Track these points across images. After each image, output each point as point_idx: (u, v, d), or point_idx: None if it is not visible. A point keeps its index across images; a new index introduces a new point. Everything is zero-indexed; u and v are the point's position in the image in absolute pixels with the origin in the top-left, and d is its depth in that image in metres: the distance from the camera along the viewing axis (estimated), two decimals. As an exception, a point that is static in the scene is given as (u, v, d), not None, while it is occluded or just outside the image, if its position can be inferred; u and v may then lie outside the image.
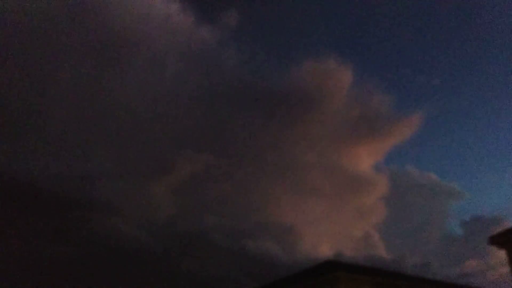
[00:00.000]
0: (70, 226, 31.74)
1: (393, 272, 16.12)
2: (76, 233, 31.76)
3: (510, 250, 12.10)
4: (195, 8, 36.11)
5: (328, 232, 36.39)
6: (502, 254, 12.36)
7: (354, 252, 34.76)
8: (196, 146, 34.74)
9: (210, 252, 31.29)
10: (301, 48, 41.72)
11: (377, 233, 36.15)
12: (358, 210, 37.90)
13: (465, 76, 43.85)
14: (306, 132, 37.45)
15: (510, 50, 40.27)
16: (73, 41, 31.57)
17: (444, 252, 37.23)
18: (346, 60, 39.22)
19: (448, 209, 41.63)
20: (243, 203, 35.91)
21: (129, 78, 33.85)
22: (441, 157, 44.65)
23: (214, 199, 35.44)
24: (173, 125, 35.33)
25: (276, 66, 40.22)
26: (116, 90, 33.33)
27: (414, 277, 16.22)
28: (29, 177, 30.42)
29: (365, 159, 37.96)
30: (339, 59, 38.70)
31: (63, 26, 30.99)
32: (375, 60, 44.16)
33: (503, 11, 39.79)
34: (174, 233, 32.39)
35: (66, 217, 31.72)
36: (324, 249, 34.20)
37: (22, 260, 29.33)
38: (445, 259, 36.11)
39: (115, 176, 33.07)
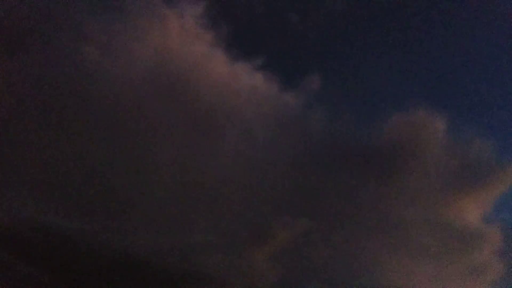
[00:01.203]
0: (176, 300, 32.12)
1: None
2: (182, 307, 32.03)
3: None
4: (278, 76, 36.78)
5: (441, 293, 34.06)
6: None
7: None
8: (293, 211, 34.41)
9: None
10: (388, 102, 40.97)
11: (496, 292, 33.43)
12: (470, 267, 35.30)
13: None
14: (405, 186, 36.11)
15: None
16: (168, 118, 33.06)
17: None
18: (437, 108, 37.81)
19: None
20: (346, 266, 34.64)
21: (222, 149, 34.66)
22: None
23: (316, 264, 34.53)
24: (268, 192, 35.35)
25: (364, 123, 39.57)
26: (211, 162, 34.16)
27: None
28: (134, 253, 31.45)
29: (472, 210, 35.71)
30: (429, 108, 37.46)
31: (159, 103, 32.65)
32: (469, 104, 42.26)
33: None
34: (277, 302, 31.82)
35: (171, 291, 32.19)
36: (439, 312, 31.99)
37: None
38: None
39: (216, 247, 33.33)
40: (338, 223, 35.72)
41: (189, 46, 32.82)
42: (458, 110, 43.76)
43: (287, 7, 36.79)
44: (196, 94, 32.74)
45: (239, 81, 35.31)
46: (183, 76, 32.17)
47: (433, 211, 35.70)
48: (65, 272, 29.89)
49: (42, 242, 28.27)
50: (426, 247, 34.78)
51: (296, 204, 35.26)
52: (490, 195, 36.18)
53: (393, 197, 35.71)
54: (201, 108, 32.98)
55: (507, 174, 35.74)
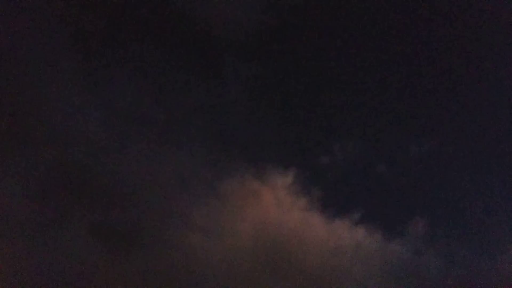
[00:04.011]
0: None
1: None
2: None
3: None
4: (379, 227, 36.40)
5: None
6: None
7: None
8: None
9: None
10: (507, 232, 38.18)
11: None
12: None
13: None
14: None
15: None
16: (275, 286, 33.44)
17: None
18: None
19: None
20: None
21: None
22: None
23: None
24: None
25: (482, 259, 36.86)
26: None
27: None
28: None
29: None
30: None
31: (263, 275, 33.34)
32: None
33: None
34: None
35: None
36: None
37: None
38: None
39: None
40: None
41: (285, 215, 34.43)
42: None
43: (372, 160, 37.92)
44: (299, 259, 33.32)
45: (340, 238, 35.54)
46: (283, 244, 33.29)
47: None
48: None
49: None
50: None
51: None
52: None
53: None
54: (306, 272, 33.23)
55: None
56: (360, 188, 37.68)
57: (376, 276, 35.20)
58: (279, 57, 37.68)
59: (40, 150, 29.65)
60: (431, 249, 36.61)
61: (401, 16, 38.40)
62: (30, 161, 29.27)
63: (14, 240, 27.90)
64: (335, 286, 33.62)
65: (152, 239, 30.86)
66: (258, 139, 36.77)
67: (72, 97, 31.86)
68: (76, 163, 30.35)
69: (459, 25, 37.95)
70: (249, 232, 32.85)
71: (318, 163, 37.27)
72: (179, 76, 35.46)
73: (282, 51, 37.57)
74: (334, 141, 37.99)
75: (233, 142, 35.99)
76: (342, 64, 38.48)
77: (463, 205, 37.90)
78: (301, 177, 35.96)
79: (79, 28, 33.48)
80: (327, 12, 37.94)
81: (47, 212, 28.86)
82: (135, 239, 30.93)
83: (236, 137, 36.25)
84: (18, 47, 31.30)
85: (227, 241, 31.97)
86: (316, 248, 34.15)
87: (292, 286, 32.99)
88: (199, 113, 35.51)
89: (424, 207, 38.39)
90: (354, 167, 37.89)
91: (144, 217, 31.77)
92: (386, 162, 38.13)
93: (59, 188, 29.76)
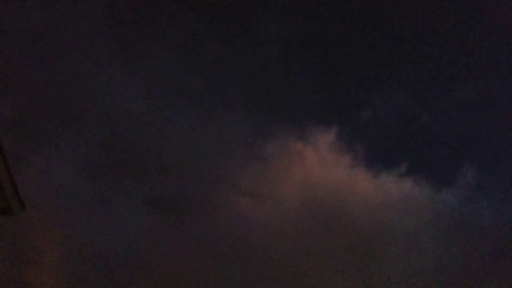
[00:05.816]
0: None
1: None
2: None
3: None
4: (427, 177, 35.76)
5: None
6: None
7: None
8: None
9: None
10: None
11: None
12: None
13: None
14: None
15: None
16: (324, 245, 33.94)
17: None
18: None
19: None
20: None
21: (388, 267, 34.00)
22: None
23: None
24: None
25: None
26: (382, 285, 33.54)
27: None
28: None
29: None
30: None
31: (311, 235, 33.86)
32: None
33: None
34: None
35: None
36: None
37: None
38: None
39: None
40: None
41: (330, 173, 34.51)
42: None
43: (415, 110, 36.95)
44: (347, 217, 33.55)
45: (387, 192, 35.38)
46: (330, 203, 33.54)
47: None
48: None
49: None
50: None
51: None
52: None
53: None
54: (355, 228, 33.50)
55: None
56: (405, 140, 36.88)
57: (426, 227, 35.08)
58: (314, 13, 36.76)
59: (88, 129, 30.85)
60: (482, 197, 35.89)
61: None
62: (81, 141, 30.53)
63: (74, 215, 29.56)
64: (385, 240, 33.84)
65: (201, 205, 31.94)
66: (297, 99, 36.46)
67: (113, 74, 32.59)
68: (123, 139, 31.42)
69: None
70: (295, 193, 33.29)
71: (359, 117, 36.62)
72: (214, 42, 35.41)
73: (316, 7, 36.64)
74: (375, 94, 37.13)
75: (272, 104, 35.94)
76: (379, 14, 37.08)
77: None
78: (344, 133, 35.45)
79: (115, 5, 33.82)
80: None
81: (101, 188, 30.23)
82: (185, 207, 32.10)
83: (275, 99, 36.13)
84: (58, 29, 32.12)
85: (274, 203, 32.64)
86: (364, 204, 34.20)
87: (341, 243, 33.47)
88: (237, 77, 35.54)
89: (473, 154, 37.28)
90: (397, 118, 36.93)
91: (193, 185, 32.81)
92: (431, 111, 36.96)
93: (110, 164, 31.04)
